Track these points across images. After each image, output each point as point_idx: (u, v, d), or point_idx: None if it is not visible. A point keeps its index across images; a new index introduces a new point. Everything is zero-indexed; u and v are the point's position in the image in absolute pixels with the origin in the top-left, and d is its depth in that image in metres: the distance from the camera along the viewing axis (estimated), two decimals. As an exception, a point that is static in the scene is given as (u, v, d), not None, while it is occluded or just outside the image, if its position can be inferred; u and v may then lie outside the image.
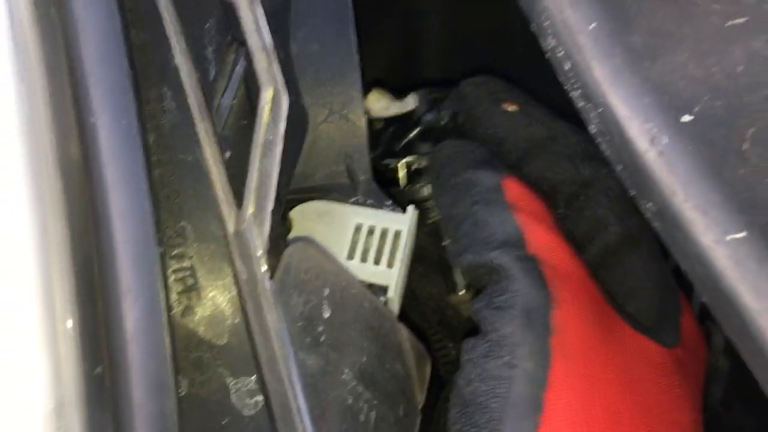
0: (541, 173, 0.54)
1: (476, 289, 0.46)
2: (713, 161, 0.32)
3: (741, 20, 0.33)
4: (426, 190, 0.59)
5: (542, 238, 0.45)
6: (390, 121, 0.62)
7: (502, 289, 0.42)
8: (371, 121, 0.62)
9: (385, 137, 0.62)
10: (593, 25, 0.35)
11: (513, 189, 0.48)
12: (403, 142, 0.61)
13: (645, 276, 0.50)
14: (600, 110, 0.35)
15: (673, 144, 0.33)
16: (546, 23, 0.36)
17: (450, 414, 0.42)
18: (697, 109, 0.33)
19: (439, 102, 0.61)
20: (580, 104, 0.36)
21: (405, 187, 0.59)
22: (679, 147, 0.32)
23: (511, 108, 0.58)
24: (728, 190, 0.31)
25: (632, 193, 0.35)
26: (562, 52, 0.36)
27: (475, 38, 0.71)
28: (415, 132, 0.61)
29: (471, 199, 0.47)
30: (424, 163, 0.59)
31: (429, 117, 0.61)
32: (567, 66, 0.36)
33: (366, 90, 0.60)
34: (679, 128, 0.33)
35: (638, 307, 0.49)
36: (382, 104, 0.61)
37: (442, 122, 0.61)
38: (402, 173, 0.59)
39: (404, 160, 0.58)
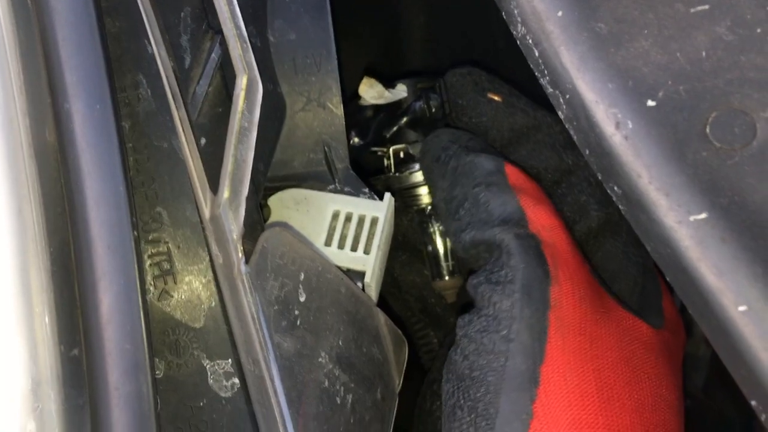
0: (525, 161, 0.55)
1: (470, 270, 0.47)
2: (677, 144, 0.33)
3: (704, 6, 0.34)
4: (414, 177, 0.60)
5: (543, 218, 0.46)
6: (379, 109, 0.63)
7: (501, 265, 0.43)
8: (361, 108, 0.63)
9: (374, 125, 0.63)
10: (560, 12, 0.36)
11: (513, 173, 0.49)
12: (393, 130, 0.62)
13: (626, 260, 0.51)
14: (567, 96, 0.35)
15: (637, 128, 0.33)
16: (515, 11, 0.37)
17: (445, 388, 0.42)
18: (661, 93, 0.33)
19: (427, 91, 0.63)
20: (549, 90, 0.37)
21: (392, 174, 0.60)
22: (644, 131, 0.33)
23: (496, 97, 0.58)
24: (691, 173, 0.32)
25: (599, 176, 0.36)
26: (531, 39, 0.36)
27: (458, 30, 0.72)
28: (404, 120, 0.62)
29: (473, 181, 0.47)
30: (412, 150, 0.60)
31: (418, 106, 0.62)
32: (536, 53, 0.36)
33: (358, 78, 0.61)
34: (644, 112, 0.33)
35: (620, 290, 0.50)
36: (373, 92, 0.62)
37: (431, 111, 0.62)
38: (390, 161, 0.60)
39: (393, 148, 0.60)
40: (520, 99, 0.57)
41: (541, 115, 0.56)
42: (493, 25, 0.65)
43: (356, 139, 0.63)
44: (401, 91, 0.63)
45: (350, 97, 0.64)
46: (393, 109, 0.64)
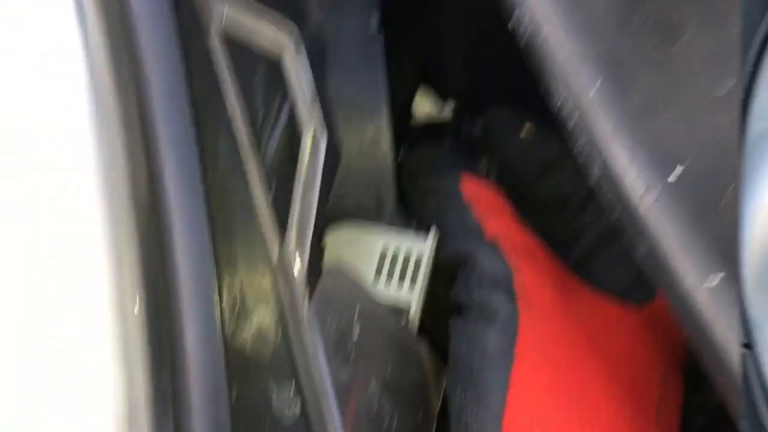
0: (556, 187, 0.61)
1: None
2: (697, 213, 0.37)
3: (728, 89, 0.38)
4: None
5: (497, 224, 0.53)
6: (426, 129, 0.69)
7: (468, 274, 0.50)
8: (410, 128, 0.69)
9: (422, 141, 0.69)
10: (597, 85, 0.39)
11: (470, 186, 0.56)
12: None
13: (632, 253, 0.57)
14: (600, 161, 0.39)
15: (663, 196, 0.37)
16: (553, 83, 0.41)
17: (447, 375, 0.49)
18: (685, 165, 0.37)
19: (471, 118, 0.69)
20: (584, 153, 0.41)
21: None
22: (668, 199, 0.37)
23: (527, 133, 0.64)
24: (709, 240, 0.36)
25: (626, 235, 0.40)
26: (569, 108, 0.40)
27: (498, 60, 0.76)
28: (448, 140, 0.69)
29: (435, 199, 0.55)
30: None
31: (462, 130, 0.68)
32: (573, 120, 0.40)
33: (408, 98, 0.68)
34: (669, 182, 0.37)
35: (619, 272, 0.56)
36: (427, 103, 0.70)
37: (472, 136, 0.68)
38: None
39: None
40: (550, 133, 0.63)
41: (569, 146, 0.61)
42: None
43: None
44: (447, 109, 0.70)
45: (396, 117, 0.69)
46: (439, 130, 0.69)
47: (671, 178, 0.38)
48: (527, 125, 0.65)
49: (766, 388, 0.32)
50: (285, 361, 0.42)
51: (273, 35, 0.43)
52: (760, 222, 0.33)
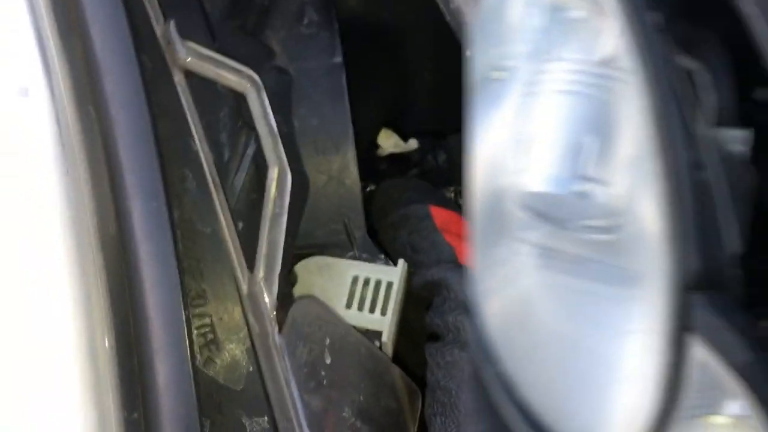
0: None
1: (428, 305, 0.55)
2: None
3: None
4: None
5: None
6: (393, 161, 0.71)
7: (443, 298, 0.51)
8: (377, 160, 0.70)
9: (389, 173, 0.71)
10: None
11: (440, 215, 0.58)
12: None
13: None
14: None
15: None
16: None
17: (426, 402, 0.50)
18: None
19: (434, 147, 0.71)
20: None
21: None
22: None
23: None
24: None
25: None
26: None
27: (461, 90, 0.78)
28: (414, 171, 0.70)
29: (407, 230, 0.57)
30: None
31: (427, 159, 0.71)
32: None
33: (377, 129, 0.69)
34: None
35: None
36: (390, 142, 0.71)
37: (438, 164, 0.70)
38: None
39: None
40: None
41: None
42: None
43: (373, 186, 0.70)
44: (413, 143, 0.71)
45: (365, 149, 0.71)
46: (405, 162, 0.71)
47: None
48: None
49: (479, 333, 0.34)
50: (258, 391, 0.42)
51: (237, 74, 0.45)
52: (478, 166, 0.34)
